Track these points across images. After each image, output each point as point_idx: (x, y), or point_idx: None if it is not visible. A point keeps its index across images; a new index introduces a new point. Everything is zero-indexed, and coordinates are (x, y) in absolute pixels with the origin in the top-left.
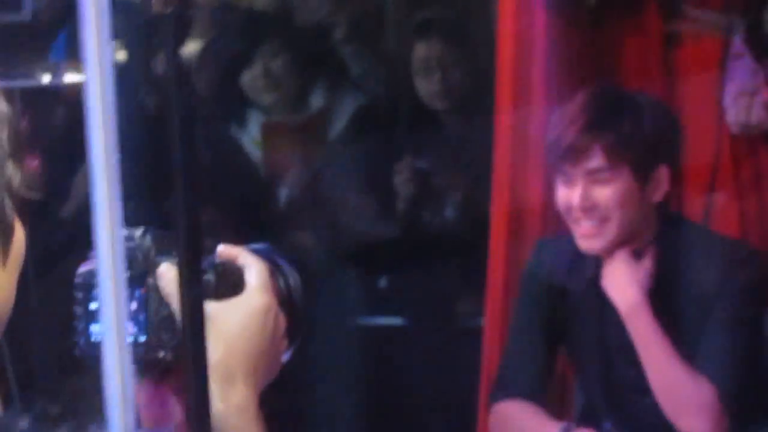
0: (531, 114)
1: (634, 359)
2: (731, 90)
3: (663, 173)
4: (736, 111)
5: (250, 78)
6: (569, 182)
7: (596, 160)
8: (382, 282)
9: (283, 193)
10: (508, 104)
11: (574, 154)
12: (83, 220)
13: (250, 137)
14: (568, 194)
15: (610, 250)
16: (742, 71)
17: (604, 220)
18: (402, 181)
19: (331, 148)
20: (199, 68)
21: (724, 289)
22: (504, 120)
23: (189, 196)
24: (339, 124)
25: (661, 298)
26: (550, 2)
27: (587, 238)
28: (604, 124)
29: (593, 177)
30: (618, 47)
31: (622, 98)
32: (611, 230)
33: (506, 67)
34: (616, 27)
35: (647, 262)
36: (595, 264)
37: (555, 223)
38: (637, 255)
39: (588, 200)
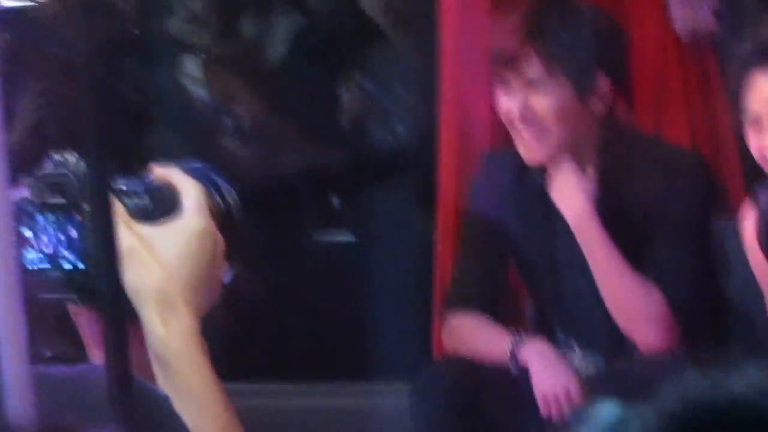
0: (475, 24)
1: (584, 270)
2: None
3: (604, 84)
4: (684, 17)
5: (176, 25)
6: (510, 91)
7: (535, 70)
8: (334, 200)
9: (230, 125)
10: (452, 15)
11: (513, 63)
12: None
13: (191, 77)
14: (508, 103)
15: (553, 161)
16: None
17: (543, 131)
18: (350, 98)
19: (275, 74)
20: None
21: (671, 198)
22: (448, 32)
23: (96, 119)
24: (281, 48)
25: (609, 208)
26: None
27: (528, 148)
28: (543, 34)
29: (532, 87)
30: None
31: (564, 8)
32: (551, 140)
33: None
34: None
35: (592, 172)
36: (541, 176)
37: (503, 136)
38: (582, 166)
39: (527, 110)
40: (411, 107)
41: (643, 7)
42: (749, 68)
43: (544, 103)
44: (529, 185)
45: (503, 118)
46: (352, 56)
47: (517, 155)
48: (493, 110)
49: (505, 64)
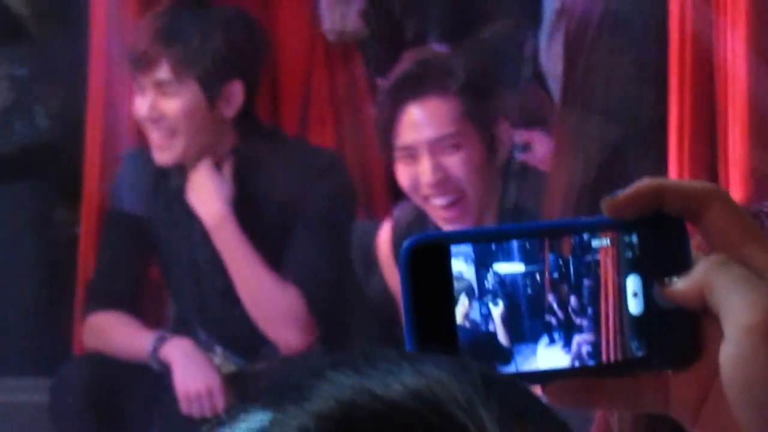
0: (122, 24)
1: (222, 270)
2: None
3: (237, 87)
4: (332, 19)
5: None
6: (142, 92)
7: (163, 72)
8: None
9: None
10: (101, 12)
11: (143, 63)
12: None
13: None
14: (140, 104)
15: (186, 162)
16: None
17: (172, 133)
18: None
19: None
20: None
21: (306, 197)
22: (96, 29)
23: None
24: None
25: (246, 208)
26: None
27: (158, 150)
28: (172, 38)
29: (161, 88)
30: None
31: (196, 10)
32: (179, 143)
33: None
34: None
35: (227, 173)
36: (179, 176)
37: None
38: (218, 167)
39: (155, 110)
40: (58, 102)
41: (289, 7)
42: (401, 102)
43: (172, 105)
44: (168, 185)
45: (137, 119)
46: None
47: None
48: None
49: (137, 65)
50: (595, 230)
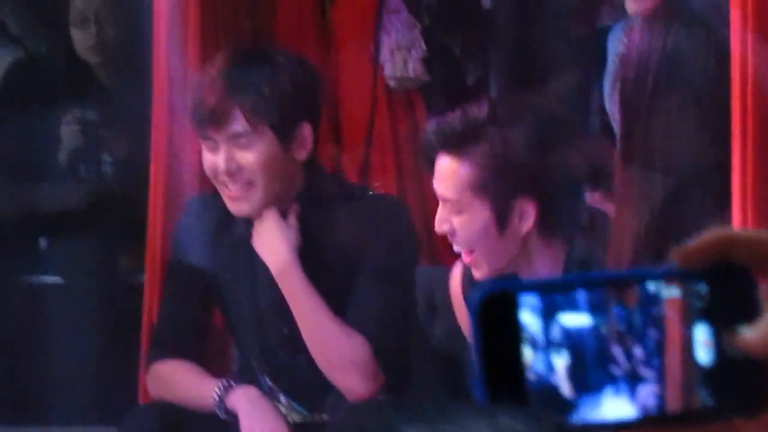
0: (186, 72)
1: (287, 317)
2: (388, 44)
3: (307, 130)
4: (393, 65)
5: None
6: (214, 147)
7: (238, 125)
8: (42, 242)
9: None
10: (163, 60)
11: (216, 118)
12: None
13: None
14: (213, 159)
15: (259, 212)
16: (398, 26)
17: (250, 184)
18: (69, 132)
19: None
20: None
21: (369, 243)
22: (159, 77)
23: None
24: None
25: (311, 255)
26: None
27: (235, 201)
28: (243, 88)
29: (236, 141)
30: (272, 5)
31: (262, 59)
32: (258, 193)
33: (162, 26)
34: None
35: (293, 221)
36: (244, 223)
37: (211, 183)
38: (284, 213)
39: (233, 163)
40: (124, 150)
41: (352, 54)
42: (436, 150)
43: (249, 157)
44: (232, 232)
45: (208, 172)
46: (68, 94)
47: (220, 201)
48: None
49: (206, 120)
50: (664, 280)
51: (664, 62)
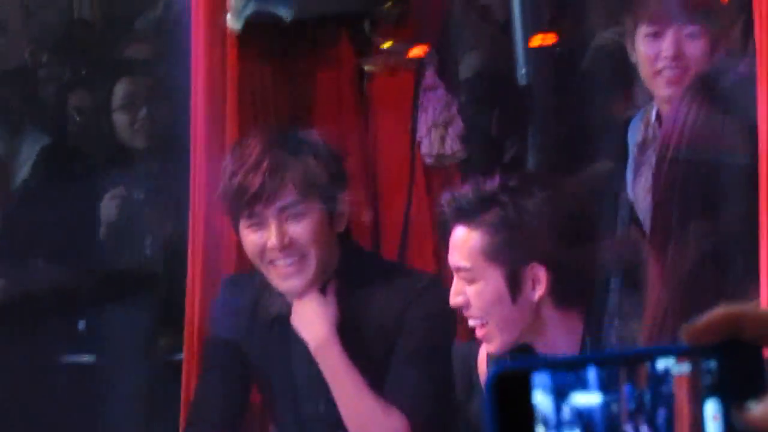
0: (226, 151)
1: (325, 393)
2: (425, 121)
3: (344, 203)
4: (430, 142)
5: None
6: (260, 225)
7: (289, 197)
8: (81, 323)
9: None
10: (203, 141)
11: (265, 194)
12: None
13: None
14: (260, 237)
15: (310, 287)
16: (435, 103)
17: (303, 257)
18: (109, 211)
19: (20, 191)
20: None
21: (406, 320)
22: (198, 157)
23: None
24: (25, 168)
25: (349, 331)
26: (242, 38)
27: (288, 277)
28: (291, 162)
29: (286, 214)
30: (312, 82)
31: (297, 137)
32: (310, 266)
33: (200, 105)
34: (310, 62)
35: (331, 297)
36: (280, 300)
37: (249, 261)
38: (322, 289)
39: (285, 237)
40: (164, 229)
41: (391, 132)
42: (449, 223)
43: (300, 228)
44: (268, 309)
45: (253, 253)
46: (106, 175)
47: (256, 278)
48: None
49: (253, 198)
50: (674, 356)
51: (694, 142)
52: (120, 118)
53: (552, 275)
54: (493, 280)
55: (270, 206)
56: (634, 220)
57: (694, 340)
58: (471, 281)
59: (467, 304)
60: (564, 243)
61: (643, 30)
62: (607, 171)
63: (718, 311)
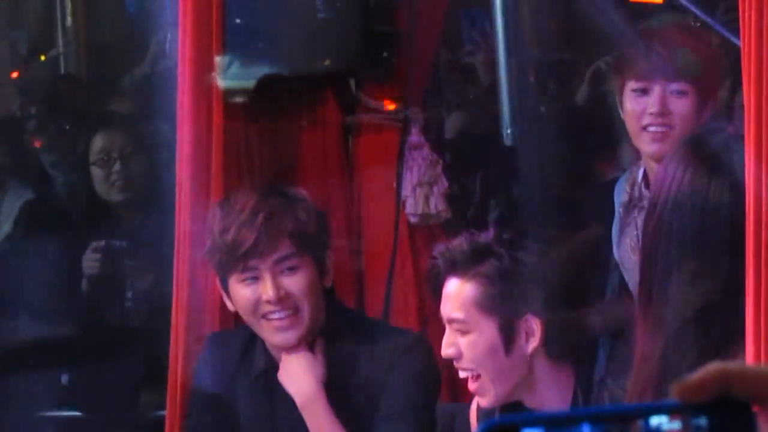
0: (209, 209)
1: None
2: (410, 180)
3: (331, 259)
4: (415, 201)
5: None
6: (254, 279)
7: (284, 249)
8: (64, 377)
9: None
10: (187, 197)
11: (260, 249)
12: None
13: None
14: (254, 291)
15: (302, 341)
16: (420, 162)
17: (296, 311)
18: (94, 259)
19: (1, 247)
20: None
21: (390, 378)
22: (183, 213)
23: None
24: (6, 224)
25: (335, 387)
26: (228, 94)
27: (281, 330)
28: (283, 217)
29: (281, 267)
30: (297, 139)
31: (285, 192)
32: (303, 319)
33: (185, 160)
34: (296, 119)
35: (320, 353)
36: (266, 356)
37: (233, 318)
38: (310, 345)
39: (281, 290)
40: (146, 281)
41: (376, 190)
42: (442, 276)
43: (294, 281)
44: (252, 366)
45: (245, 308)
46: (89, 229)
47: (239, 335)
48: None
49: (248, 252)
50: (665, 414)
51: (681, 202)
52: (96, 172)
53: (545, 328)
54: (487, 331)
55: (266, 260)
56: (623, 285)
57: (685, 397)
58: (464, 332)
59: (459, 356)
60: (558, 295)
61: (630, 85)
62: (597, 235)
63: (709, 368)
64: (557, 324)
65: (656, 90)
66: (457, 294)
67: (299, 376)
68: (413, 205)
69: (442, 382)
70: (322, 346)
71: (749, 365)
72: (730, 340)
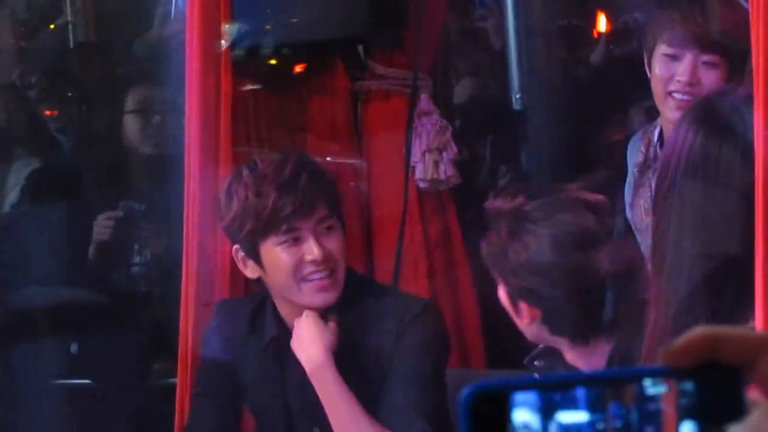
0: (219, 175)
1: (319, 418)
2: (419, 146)
3: (342, 221)
4: (425, 167)
5: None
6: (296, 240)
7: (323, 209)
8: (73, 346)
9: None
10: (197, 164)
11: (305, 209)
12: None
13: None
14: (296, 252)
15: (333, 303)
16: (429, 128)
17: (333, 271)
18: (106, 225)
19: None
20: None
21: (400, 344)
22: (192, 181)
23: None
24: (13, 193)
25: (345, 353)
26: (237, 62)
27: (324, 290)
28: (319, 178)
29: (321, 226)
30: (306, 105)
31: (305, 158)
32: (340, 280)
33: (194, 127)
34: (304, 85)
35: (333, 321)
36: (276, 324)
37: (243, 286)
38: (325, 315)
39: (324, 249)
40: (158, 248)
41: (385, 156)
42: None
43: (333, 241)
44: (264, 333)
45: (286, 271)
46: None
47: (248, 303)
48: (232, 261)
49: (291, 215)
50: (654, 378)
51: (692, 165)
52: (131, 122)
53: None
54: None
55: (308, 220)
56: (629, 228)
57: (671, 361)
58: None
59: None
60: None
61: (661, 49)
62: (604, 181)
63: (696, 332)
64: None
65: (688, 58)
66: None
67: (309, 343)
68: (422, 171)
69: (451, 349)
70: (335, 312)
71: (736, 328)
72: (741, 305)
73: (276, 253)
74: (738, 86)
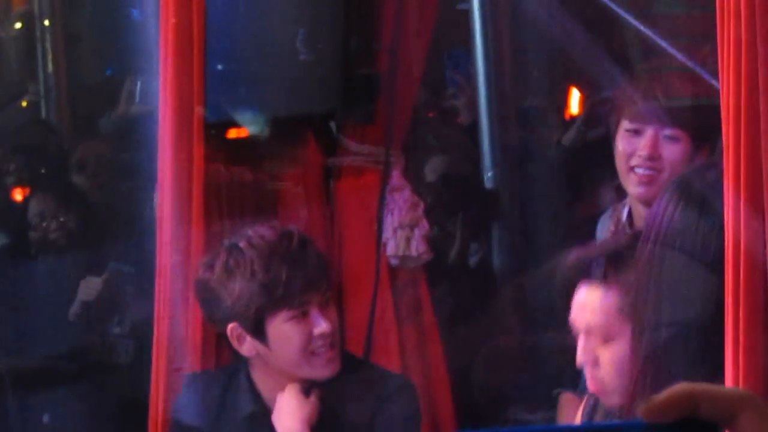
0: (191, 250)
1: None
2: (391, 222)
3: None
4: (396, 244)
5: None
6: (305, 314)
7: (325, 282)
8: (45, 417)
9: None
10: (168, 236)
11: (315, 282)
12: None
13: None
14: (305, 326)
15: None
16: (402, 204)
17: (336, 342)
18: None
19: None
20: None
21: (377, 421)
22: (163, 247)
23: None
24: None
25: (327, 428)
26: (210, 135)
27: (331, 362)
28: (315, 253)
29: (324, 298)
30: (278, 180)
31: (300, 231)
32: (339, 350)
33: (166, 198)
34: (276, 160)
35: (314, 395)
36: (252, 399)
37: (214, 357)
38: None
39: (333, 324)
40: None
41: (357, 232)
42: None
43: (334, 315)
44: (239, 407)
45: (299, 346)
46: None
47: (220, 376)
48: (203, 330)
49: (306, 288)
50: None
51: (671, 240)
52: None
53: None
54: (626, 338)
55: (317, 293)
56: None
57: (650, 417)
58: (606, 340)
59: (595, 362)
60: None
61: (624, 125)
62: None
63: (676, 388)
64: None
65: (649, 133)
66: (596, 301)
67: (288, 415)
68: (394, 248)
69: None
70: (316, 386)
71: (715, 386)
72: (714, 368)
73: (286, 329)
74: (718, 162)
